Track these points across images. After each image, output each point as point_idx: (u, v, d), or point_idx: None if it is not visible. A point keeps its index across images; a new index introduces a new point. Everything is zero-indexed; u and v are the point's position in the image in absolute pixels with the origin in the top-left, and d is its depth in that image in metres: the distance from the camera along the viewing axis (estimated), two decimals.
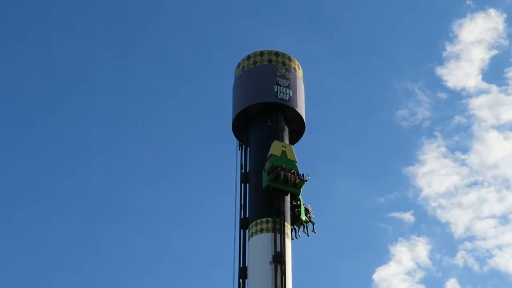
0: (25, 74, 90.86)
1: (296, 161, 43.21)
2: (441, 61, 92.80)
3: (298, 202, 43.49)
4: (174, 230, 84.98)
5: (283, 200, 42.58)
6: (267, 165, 42.45)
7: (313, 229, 44.19)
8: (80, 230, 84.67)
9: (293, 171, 42.62)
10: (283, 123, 44.78)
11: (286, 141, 44.69)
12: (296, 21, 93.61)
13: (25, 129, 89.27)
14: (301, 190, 43.04)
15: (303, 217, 43.51)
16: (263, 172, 42.63)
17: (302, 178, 42.78)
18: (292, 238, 42.72)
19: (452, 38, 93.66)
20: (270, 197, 42.26)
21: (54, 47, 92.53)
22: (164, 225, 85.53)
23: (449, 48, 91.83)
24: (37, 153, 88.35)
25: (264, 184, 42.38)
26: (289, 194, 42.93)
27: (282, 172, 42.07)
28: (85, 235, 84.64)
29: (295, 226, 43.47)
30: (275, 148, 43.12)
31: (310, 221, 44.03)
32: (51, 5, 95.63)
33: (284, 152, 43.10)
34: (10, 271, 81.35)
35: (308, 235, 44.02)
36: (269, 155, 42.88)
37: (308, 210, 43.93)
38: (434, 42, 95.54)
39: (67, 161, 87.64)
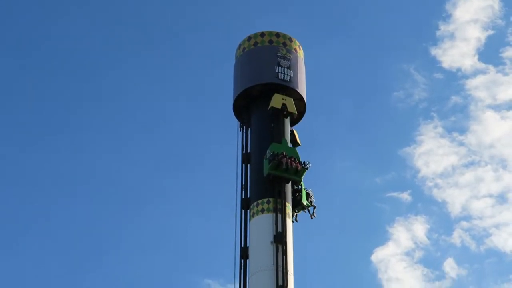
0: (26, 72, 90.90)
1: (299, 144, 43.67)
2: (435, 41, 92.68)
3: (300, 187, 43.51)
4: (175, 211, 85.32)
5: (285, 187, 42.71)
6: (268, 153, 42.36)
7: (313, 212, 44.16)
8: (91, 215, 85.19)
9: (293, 158, 42.64)
10: None
11: (287, 123, 44.72)
12: (290, 3, 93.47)
13: (30, 126, 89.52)
14: (302, 177, 43.03)
15: (305, 202, 43.60)
16: (264, 160, 42.59)
17: (303, 165, 42.79)
18: (292, 221, 42.79)
19: (445, 18, 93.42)
20: (271, 183, 42.35)
21: (55, 46, 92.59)
22: (166, 205, 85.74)
23: (443, 27, 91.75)
24: (37, 153, 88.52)
25: (265, 172, 42.32)
26: (290, 181, 42.92)
27: (284, 160, 42.04)
28: (94, 220, 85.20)
29: (296, 211, 43.44)
30: (276, 101, 43.84)
31: (312, 205, 44.05)
32: (52, 5, 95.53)
33: (285, 140, 43.34)
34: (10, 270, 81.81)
35: (312, 218, 44.12)
36: (270, 107, 43.57)
37: (309, 194, 43.98)
38: (428, 22, 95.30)
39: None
